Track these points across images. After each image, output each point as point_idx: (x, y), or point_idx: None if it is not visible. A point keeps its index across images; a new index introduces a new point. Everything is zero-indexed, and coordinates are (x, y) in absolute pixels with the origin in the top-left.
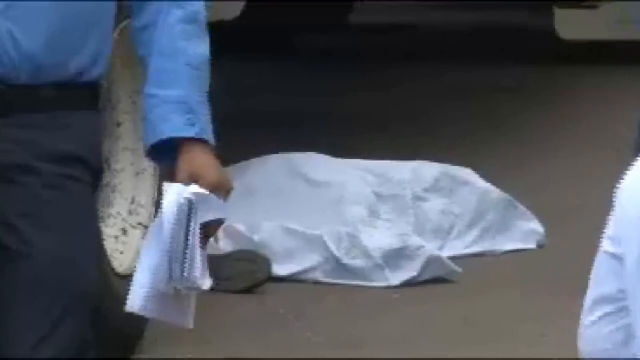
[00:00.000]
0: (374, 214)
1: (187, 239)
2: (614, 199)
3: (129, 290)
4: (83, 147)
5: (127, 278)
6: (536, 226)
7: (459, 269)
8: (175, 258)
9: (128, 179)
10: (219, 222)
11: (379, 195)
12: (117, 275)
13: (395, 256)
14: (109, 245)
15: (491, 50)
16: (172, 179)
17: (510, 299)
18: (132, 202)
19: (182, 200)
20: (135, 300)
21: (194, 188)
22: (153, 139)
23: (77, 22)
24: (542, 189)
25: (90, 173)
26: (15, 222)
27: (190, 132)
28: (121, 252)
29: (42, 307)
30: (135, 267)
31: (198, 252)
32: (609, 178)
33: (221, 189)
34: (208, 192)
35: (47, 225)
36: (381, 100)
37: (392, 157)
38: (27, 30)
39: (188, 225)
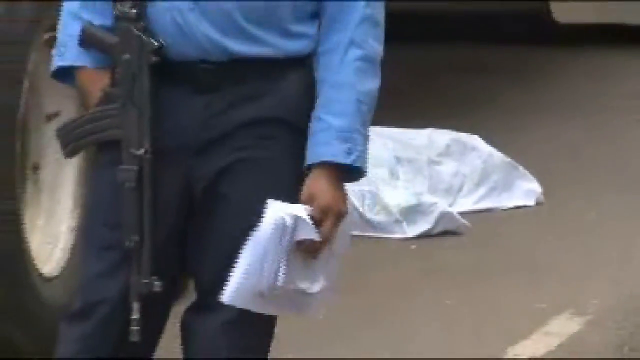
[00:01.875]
0: (393, 175)
1: (278, 253)
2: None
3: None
4: (281, 108)
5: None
6: (535, 186)
7: (467, 223)
8: (264, 267)
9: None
10: (313, 246)
11: (398, 159)
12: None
13: (412, 212)
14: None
15: (496, 33)
16: None
17: (512, 249)
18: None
19: (278, 219)
20: (227, 294)
21: (297, 209)
22: (314, 160)
23: (263, 14)
24: (540, 153)
25: (290, 131)
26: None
27: (347, 160)
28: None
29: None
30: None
31: (284, 266)
32: (597, 142)
33: (330, 213)
34: (306, 216)
35: (247, 184)
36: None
37: (409, 126)
38: (218, 23)
39: (281, 241)
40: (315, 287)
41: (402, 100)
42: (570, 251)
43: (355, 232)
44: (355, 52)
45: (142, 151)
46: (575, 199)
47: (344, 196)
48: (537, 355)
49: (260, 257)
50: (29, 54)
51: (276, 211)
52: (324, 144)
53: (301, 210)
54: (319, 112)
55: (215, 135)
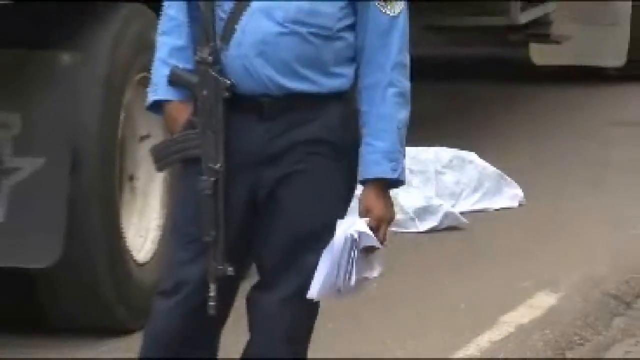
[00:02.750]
0: (408, 183)
1: (349, 260)
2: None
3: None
4: (324, 131)
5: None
6: (518, 191)
7: (466, 220)
8: (340, 271)
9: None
10: (373, 247)
11: (411, 170)
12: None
13: (423, 211)
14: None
15: (488, 73)
16: None
17: (502, 240)
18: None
19: (347, 235)
20: (312, 292)
21: (359, 224)
22: (367, 176)
23: (311, 58)
24: (523, 166)
25: (331, 151)
26: (281, 196)
27: (394, 175)
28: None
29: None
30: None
31: (355, 269)
32: (569, 159)
33: (384, 222)
34: (367, 229)
35: (298, 192)
36: None
37: (420, 145)
38: (277, 65)
39: (351, 251)
40: (375, 273)
41: (415, 125)
42: (546, 242)
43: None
44: (393, 90)
45: (217, 166)
46: (550, 202)
47: (391, 204)
48: (523, 322)
49: (336, 265)
50: (125, 91)
51: (344, 229)
52: (374, 164)
53: (363, 224)
54: (368, 138)
55: (274, 152)
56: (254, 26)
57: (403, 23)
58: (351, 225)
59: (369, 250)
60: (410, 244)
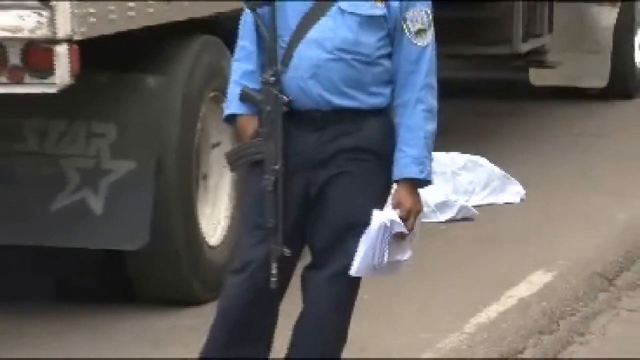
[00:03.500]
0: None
1: (382, 243)
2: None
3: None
4: (365, 140)
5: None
6: (520, 189)
7: (477, 212)
8: (375, 252)
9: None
10: (403, 234)
11: (433, 172)
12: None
13: (442, 205)
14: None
15: (495, 92)
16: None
17: (506, 228)
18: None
19: (381, 223)
20: (353, 269)
21: (391, 214)
22: (399, 177)
23: (354, 80)
24: (524, 168)
25: (370, 156)
26: (330, 192)
27: (421, 176)
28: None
29: None
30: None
31: (387, 251)
32: (562, 162)
33: (412, 213)
34: (397, 218)
35: (343, 189)
36: None
37: (439, 150)
38: (327, 86)
39: (384, 236)
40: (405, 256)
41: (436, 135)
42: (543, 230)
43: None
44: (421, 107)
45: (277, 167)
46: (546, 198)
47: (420, 199)
48: (524, 296)
49: (372, 247)
50: (200, 107)
51: (379, 217)
52: (405, 167)
53: (394, 214)
54: (400, 145)
55: (324, 157)
56: (308, 54)
57: (431, 52)
58: (385, 215)
59: (399, 236)
60: (432, 231)
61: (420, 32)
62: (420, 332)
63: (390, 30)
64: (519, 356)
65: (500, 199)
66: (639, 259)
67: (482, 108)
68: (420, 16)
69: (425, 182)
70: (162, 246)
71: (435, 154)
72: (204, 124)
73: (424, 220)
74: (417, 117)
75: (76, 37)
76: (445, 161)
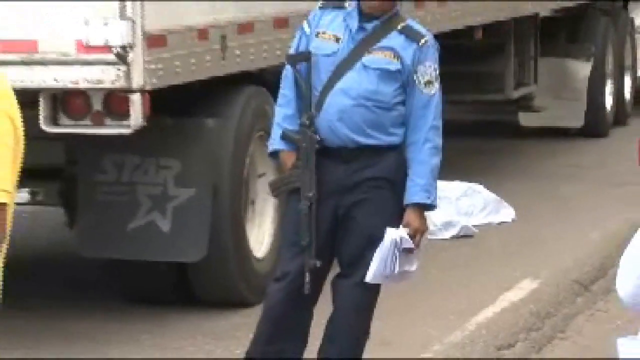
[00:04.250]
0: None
1: (393, 256)
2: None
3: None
4: (383, 172)
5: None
6: (511, 211)
7: (476, 230)
8: (387, 263)
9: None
10: (410, 249)
11: (439, 197)
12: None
13: (447, 225)
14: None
15: (489, 131)
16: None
17: (499, 244)
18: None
19: (393, 239)
20: (368, 277)
21: (401, 232)
22: (409, 201)
23: (374, 122)
24: (516, 193)
25: (387, 185)
26: (354, 214)
27: (427, 201)
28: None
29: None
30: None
31: (397, 263)
32: (543, 190)
33: (419, 232)
34: (406, 235)
35: (365, 212)
36: None
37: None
38: (351, 127)
39: (395, 250)
40: (413, 267)
41: (442, 167)
42: (531, 245)
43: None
44: (428, 144)
45: (311, 194)
46: (534, 218)
47: (425, 221)
48: (514, 300)
49: (384, 259)
50: (249, 144)
51: (391, 234)
52: (414, 194)
53: (404, 232)
54: (411, 176)
55: (350, 185)
56: (337, 101)
57: (437, 99)
58: (396, 232)
59: (407, 251)
60: (438, 246)
61: (428, 83)
62: (430, 329)
63: (404, 82)
64: (511, 349)
65: (495, 219)
66: (610, 269)
67: (480, 145)
68: (428, 71)
69: (431, 207)
70: (218, 258)
71: (440, 183)
72: (252, 158)
73: (431, 237)
74: (425, 153)
75: (147, 87)
76: (449, 188)
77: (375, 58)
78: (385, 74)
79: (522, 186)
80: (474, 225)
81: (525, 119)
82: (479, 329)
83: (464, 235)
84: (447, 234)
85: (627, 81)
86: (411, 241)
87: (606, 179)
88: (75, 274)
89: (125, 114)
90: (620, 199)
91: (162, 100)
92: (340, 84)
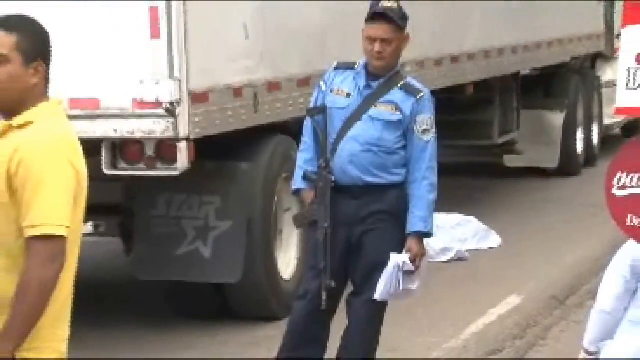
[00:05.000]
0: (435, 234)
1: (397, 277)
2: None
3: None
4: (387, 206)
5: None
6: (498, 239)
7: (468, 255)
8: (391, 283)
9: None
10: (412, 271)
11: (437, 227)
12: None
13: (444, 250)
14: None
15: (478, 172)
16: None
17: (489, 265)
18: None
19: (396, 262)
20: (376, 295)
21: (403, 257)
22: (410, 230)
23: (379, 164)
24: (502, 223)
25: (391, 217)
26: (364, 242)
27: (425, 230)
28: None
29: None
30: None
31: (401, 282)
32: (525, 222)
33: (418, 257)
34: (408, 260)
35: (373, 240)
36: None
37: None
38: (360, 169)
39: (398, 272)
40: (414, 286)
41: (439, 202)
42: (515, 266)
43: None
44: (425, 182)
45: (326, 225)
46: (517, 244)
47: (424, 247)
48: (501, 312)
49: (389, 279)
50: (276, 184)
51: (394, 259)
52: (414, 224)
53: (406, 257)
54: (411, 209)
55: (360, 217)
56: (348, 147)
57: (433, 144)
58: (399, 257)
59: (409, 272)
60: (437, 268)
61: (425, 131)
62: (430, 337)
63: (405, 130)
64: (499, 354)
65: (484, 245)
66: (582, 287)
67: (471, 182)
68: (425, 120)
69: (428, 235)
70: (252, 280)
71: (438, 215)
72: (279, 195)
73: (431, 260)
74: (423, 189)
75: (192, 137)
76: (445, 220)
77: (380, 111)
78: (388, 124)
79: (507, 217)
80: (467, 250)
81: (509, 161)
82: (472, 338)
83: (459, 259)
84: (445, 258)
85: (595, 129)
86: (411, 264)
87: (579, 211)
88: (130, 294)
89: (173, 159)
90: (591, 228)
91: (205, 147)
92: (350, 133)
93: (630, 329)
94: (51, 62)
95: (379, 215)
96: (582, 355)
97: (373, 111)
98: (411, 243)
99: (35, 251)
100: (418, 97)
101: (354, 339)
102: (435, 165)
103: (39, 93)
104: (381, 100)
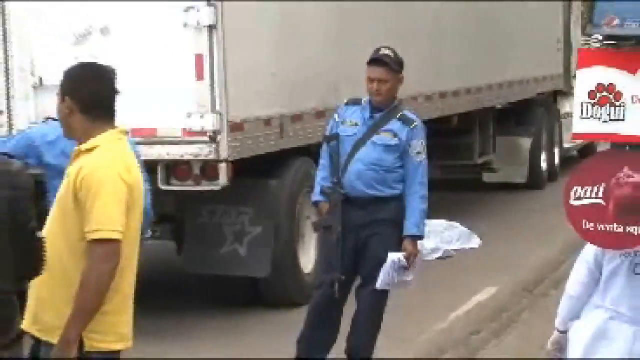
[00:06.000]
0: (426, 236)
1: (393, 271)
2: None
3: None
4: (388, 214)
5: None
6: (479, 240)
7: (454, 253)
8: (390, 275)
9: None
10: (406, 266)
11: (428, 231)
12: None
13: (434, 250)
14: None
15: (460, 186)
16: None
17: (470, 262)
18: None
19: (393, 259)
20: (378, 284)
21: (400, 255)
22: (405, 233)
23: (381, 180)
24: (482, 227)
25: (390, 223)
26: (368, 243)
27: (417, 233)
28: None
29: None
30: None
31: (396, 275)
32: (503, 226)
33: (412, 255)
34: (402, 258)
35: (376, 242)
36: None
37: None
38: (365, 184)
39: (394, 266)
40: (409, 278)
41: (430, 211)
42: (491, 263)
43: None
44: (417, 195)
45: (338, 230)
46: (493, 245)
47: (417, 247)
48: (481, 300)
49: (388, 273)
50: (299, 197)
51: (392, 256)
52: (409, 229)
53: (401, 255)
54: (407, 216)
55: (365, 223)
56: (355, 167)
57: (424, 164)
58: (396, 255)
59: (404, 267)
60: (428, 264)
61: (417, 153)
62: (422, 320)
63: (401, 152)
64: (479, 334)
65: (467, 246)
66: (546, 279)
67: (456, 195)
68: (417, 145)
69: (420, 237)
70: (279, 274)
71: (429, 221)
72: (301, 206)
73: (423, 258)
74: (416, 201)
75: (230, 159)
76: (435, 224)
77: (381, 137)
78: (387, 148)
79: (485, 223)
80: (453, 250)
81: (487, 177)
82: (456, 321)
83: (446, 257)
84: (434, 256)
85: (556, 151)
86: (405, 261)
87: (544, 215)
88: (181, 285)
89: (215, 177)
90: (553, 231)
91: (240, 167)
92: (357, 155)
93: (592, 311)
94: (116, 98)
95: (381, 221)
96: (555, 332)
97: (375, 137)
98: (406, 244)
99: (93, 252)
100: (412, 126)
101: (361, 321)
102: (426, 181)
103: (83, 122)
104: (382, 128)
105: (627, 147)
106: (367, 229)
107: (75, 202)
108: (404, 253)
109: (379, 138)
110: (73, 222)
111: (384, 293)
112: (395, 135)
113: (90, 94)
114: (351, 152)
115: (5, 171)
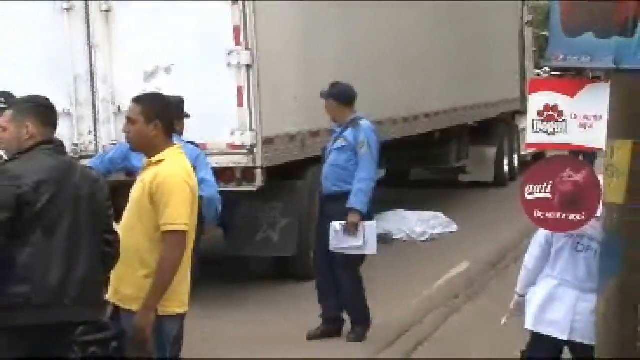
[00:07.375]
0: (414, 224)
1: (338, 236)
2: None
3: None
4: (347, 203)
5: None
6: (455, 226)
7: (438, 236)
8: (334, 241)
9: None
10: (349, 231)
11: (418, 219)
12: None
13: (422, 233)
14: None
15: (439, 185)
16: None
17: (449, 243)
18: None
19: (333, 227)
20: (331, 248)
21: (339, 223)
22: (348, 206)
23: (339, 178)
24: (458, 216)
25: (347, 208)
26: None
27: (355, 206)
28: None
29: None
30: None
31: (342, 239)
32: (480, 217)
33: (350, 225)
34: (341, 225)
35: (336, 219)
36: (411, 195)
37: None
38: (330, 181)
39: (338, 233)
40: (359, 243)
41: (419, 204)
42: (465, 244)
43: (399, 236)
44: (358, 177)
45: (319, 217)
46: (466, 230)
47: (355, 217)
48: (460, 271)
49: (334, 239)
50: (316, 194)
51: (334, 225)
52: (350, 204)
53: (341, 223)
54: (351, 195)
55: (333, 209)
56: (327, 168)
57: (367, 154)
58: (337, 224)
59: (348, 232)
60: (417, 245)
61: (361, 147)
62: (410, 287)
63: (352, 152)
64: (457, 299)
65: (447, 230)
66: (508, 255)
67: (438, 192)
68: (361, 141)
69: (354, 210)
70: (301, 254)
71: (419, 212)
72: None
73: (414, 240)
74: (358, 183)
75: (264, 166)
76: (423, 214)
77: (337, 143)
78: (340, 149)
79: (461, 213)
80: (437, 233)
81: (462, 178)
82: (438, 289)
83: (432, 239)
84: (422, 238)
85: (515, 157)
86: (343, 227)
87: (505, 207)
88: (225, 263)
89: (253, 180)
90: (513, 218)
91: (272, 172)
92: (327, 161)
93: (545, 280)
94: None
95: (341, 207)
96: (515, 296)
97: (335, 145)
98: (349, 215)
99: (167, 241)
100: (356, 128)
101: (341, 285)
102: (370, 167)
103: (163, 141)
104: (340, 136)
105: (568, 153)
106: (333, 212)
107: (151, 202)
108: (344, 222)
109: (336, 144)
110: (149, 216)
111: (355, 257)
112: (345, 139)
113: (171, 118)
114: (327, 158)
115: (89, 175)
